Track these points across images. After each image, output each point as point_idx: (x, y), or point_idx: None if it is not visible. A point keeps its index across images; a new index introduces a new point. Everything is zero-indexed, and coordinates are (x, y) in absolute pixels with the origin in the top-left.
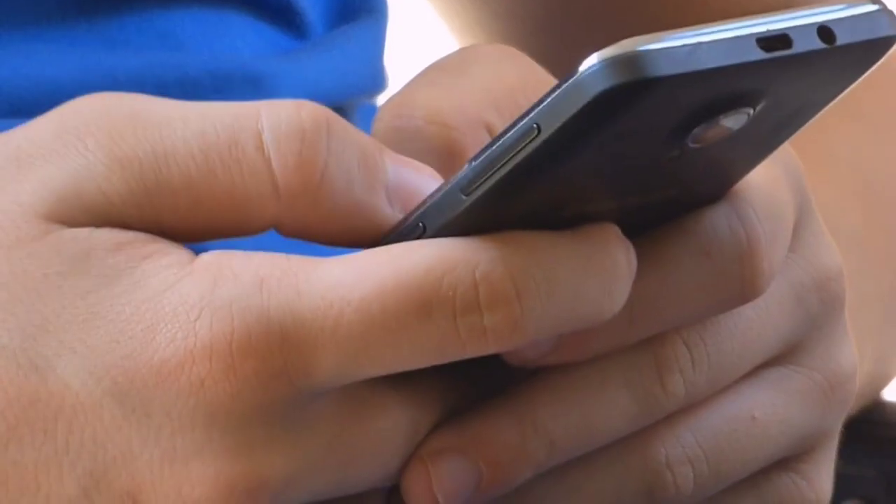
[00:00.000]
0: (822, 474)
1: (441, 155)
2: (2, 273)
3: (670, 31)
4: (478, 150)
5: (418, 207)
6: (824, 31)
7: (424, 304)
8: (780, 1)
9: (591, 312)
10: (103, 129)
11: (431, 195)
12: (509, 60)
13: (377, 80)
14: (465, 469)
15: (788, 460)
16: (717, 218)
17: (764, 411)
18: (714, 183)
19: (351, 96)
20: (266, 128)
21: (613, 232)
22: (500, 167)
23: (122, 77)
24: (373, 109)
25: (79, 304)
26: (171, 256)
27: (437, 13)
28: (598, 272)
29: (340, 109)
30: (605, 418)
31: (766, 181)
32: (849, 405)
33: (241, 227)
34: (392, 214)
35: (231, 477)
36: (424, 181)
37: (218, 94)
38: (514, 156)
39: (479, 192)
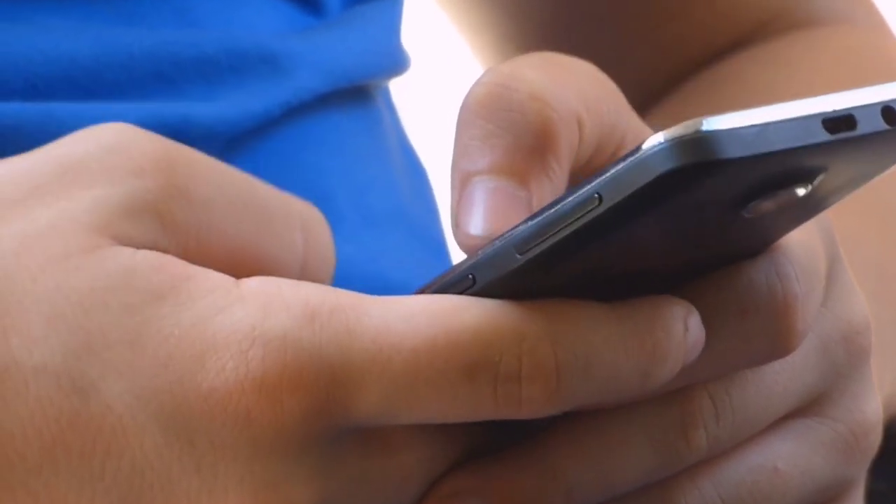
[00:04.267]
0: None
1: (535, 132)
2: (47, 288)
3: (735, 112)
4: (566, 145)
5: (470, 258)
6: (888, 112)
7: (470, 367)
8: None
9: (625, 390)
10: (158, 155)
11: (484, 248)
12: (598, 74)
13: (397, 61)
14: None
15: None
16: (755, 275)
17: (787, 462)
18: (757, 242)
19: (370, 76)
20: None
21: (664, 310)
22: (558, 231)
23: (137, 54)
24: (385, 91)
25: (126, 322)
26: (214, 280)
27: (444, 13)
28: (638, 354)
29: (361, 89)
30: (625, 469)
31: (803, 237)
32: (873, 454)
33: None
34: None
35: None
36: None
37: (234, 72)
38: (573, 222)
39: (533, 253)
